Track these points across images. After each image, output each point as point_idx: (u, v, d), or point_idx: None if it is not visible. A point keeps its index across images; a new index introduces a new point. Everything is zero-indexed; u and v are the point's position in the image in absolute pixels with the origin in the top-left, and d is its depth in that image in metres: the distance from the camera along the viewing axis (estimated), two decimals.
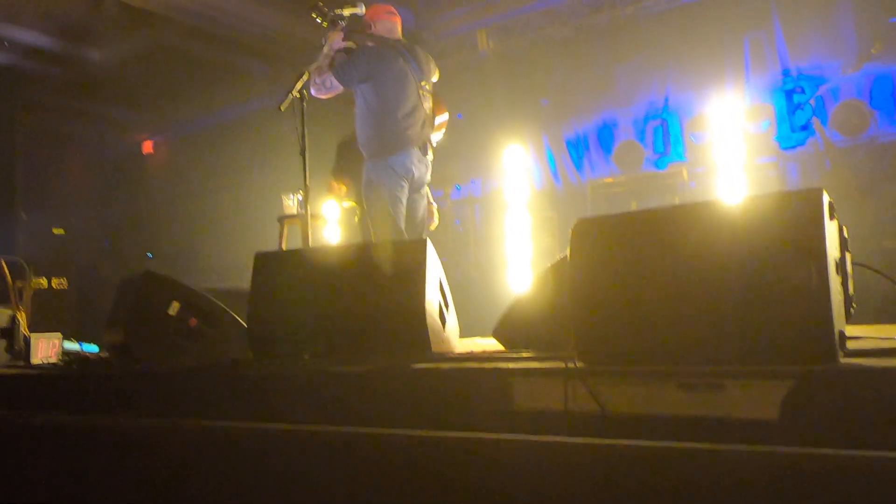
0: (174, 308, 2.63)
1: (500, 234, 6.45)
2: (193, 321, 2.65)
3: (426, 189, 4.22)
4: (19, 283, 6.45)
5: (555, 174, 8.02)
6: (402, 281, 2.13)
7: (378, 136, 4.03)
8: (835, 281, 1.31)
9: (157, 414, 2.30)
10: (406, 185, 4.05)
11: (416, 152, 4.08)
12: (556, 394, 1.53)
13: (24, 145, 8.46)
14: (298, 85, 3.36)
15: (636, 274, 1.48)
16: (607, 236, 1.53)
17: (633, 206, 6.14)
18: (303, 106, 3.36)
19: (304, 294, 2.22)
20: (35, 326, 6.30)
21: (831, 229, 1.33)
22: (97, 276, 9.78)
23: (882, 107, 6.30)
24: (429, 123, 4.20)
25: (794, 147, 6.64)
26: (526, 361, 1.79)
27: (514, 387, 1.61)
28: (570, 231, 1.62)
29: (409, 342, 2.08)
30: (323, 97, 3.89)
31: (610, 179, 6.58)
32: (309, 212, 3.44)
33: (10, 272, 6.54)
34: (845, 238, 1.41)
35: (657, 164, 7.51)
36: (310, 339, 2.13)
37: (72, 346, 5.53)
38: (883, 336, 1.75)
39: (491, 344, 2.57)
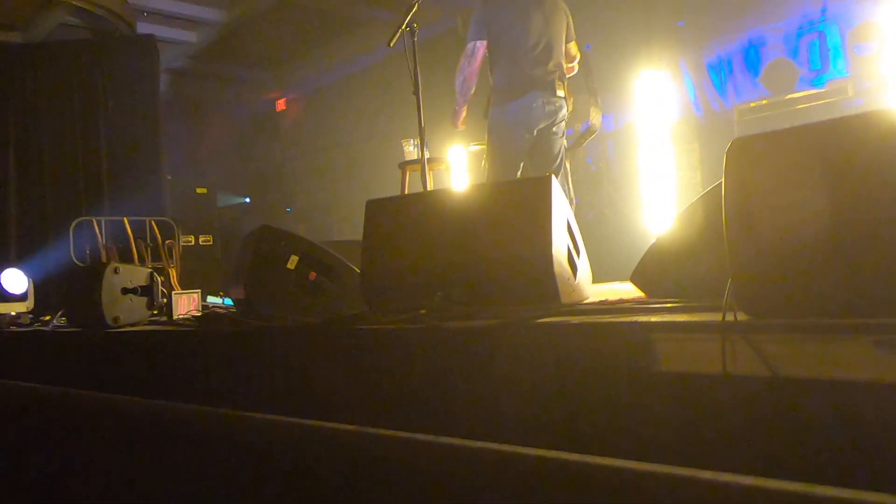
0: (293, 262, 2.55)
1: (635, 171, 6.02)
2: (313, 275, 2.57)
3: (562, 126, 3.97)
4: (169, 242, 6.82)
5: (695, 102, 7.42)
6: (524, 224, 1.90)
7: (499, 80, 3.87)
8: None
9: (274, 369, 2.25)
10: (527, 135, 3.84)
11: (540, 95, 3.85)
12: (711, 353, 1.27)
13: (166, 110, 8.86)
14: (408, 18, 3.16)
15: (814, 202, 1.18)
16: (774, 157, 1.23)
17: None
18: (413, 41, 3.15)
19: (419, 243, 2.06)
20: (185, 282, 6.66)
21: None
22: (240, 232, 10.25)
23: None
24: (558, 61, 3.95)
25: None
26: (671, 313, 1.53)
27: (658, 344, 1.36)
28: (724, 155, 1.32)
29: (535, 293, 1.86)
30: (474, 69, 3.83)
31: (758, 102, 5.94)
32: (426, 155, 3.27)
33: (160, 232, 6.93)
34: None
35: (814, 83, 6.73)
36: (426, 291, 1.97)
37: (215, 300, 5.77)
38: None
39: (629, 290, 2.31)
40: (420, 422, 1.77)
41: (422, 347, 1.77)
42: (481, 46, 3.87)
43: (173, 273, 6.86)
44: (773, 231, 1.22)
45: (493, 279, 1.92)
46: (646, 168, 5.93)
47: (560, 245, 1.93)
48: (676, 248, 2.10)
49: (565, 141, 4.12)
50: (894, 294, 1.11)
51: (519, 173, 3.82)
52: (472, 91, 3.97)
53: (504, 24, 3.82)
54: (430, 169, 4.04)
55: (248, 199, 12.14)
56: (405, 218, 2.12)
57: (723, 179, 1.29)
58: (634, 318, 1.44)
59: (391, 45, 3.12)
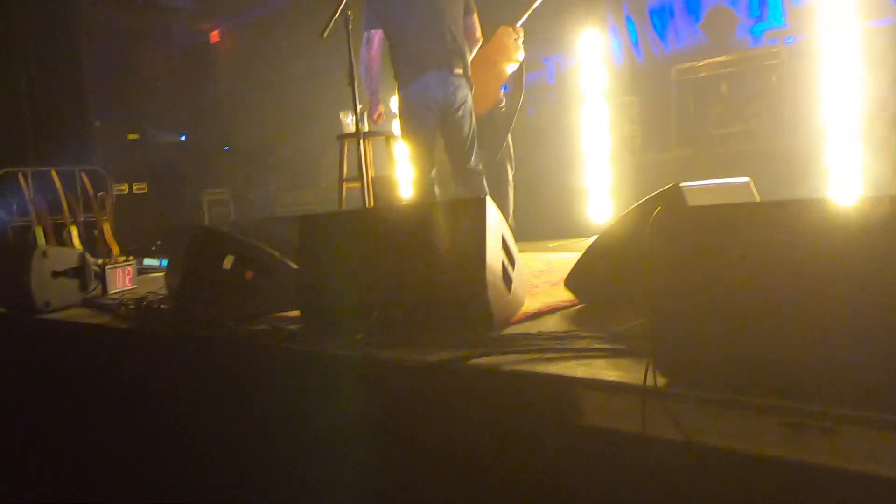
0: (228, 262, 2.52)
1: (577, 124, 6.03)
2: (249, 274, 2.55)
3: (466, 107, 3.93)
4: (101, 193, 6.58)
5: (636, 47, 7.41)
6: (458, 249, 1.91)
7: (396, 65, 3.84)
8: None
9: (205, 376, 2.25)
10: (429, 113, 3.82)
11: (436, 73, 3.79)
12: (632, 413, 1.33)
13: (92, 48, 8.39)
14: (341, 6, 3.04)
15: (733, 284, 1.22)
16: (698, 234, 1.26)
17: (724, 89, 5.59)
18: (348, 30, 3.04)
19: (355, 263, 2.05)
20: (120, 234, 6.47)
21: None
22: (176, 173, 9.93)
23: None
24: (455, 37, 3.88)
25: None
26: (600, 356, 1.58)
27: (583, 400, 1.41)
28: (652, 222, 1.35)
29: (469, 317, 1.90)
30: (373, 56, 3.74)
31: (694, 64, 5.98)
32: (363, 141, 3.21)
33: (90, 183, 6.67)
34: None
35: (752, 31, 6.78)
36: (362, 311, 1.98)
37: (152, 262, 5.64)
38: None
39: (565, 261, 2.34)
40: (346, 453, 1.82)
41: (353, 377, 1.80)
42: (376, 34, 3.83)
43: (107, 228, 6.65)
44: (695, 308, 1.27)
45: (429, 302, 1.95)
46: (586, 121, 5.95)
47: (494, 265, 1.95)
48: (608, 258, 2.16)
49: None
50: (803, 378, 1.18)
51: (434, 152, 3.87)
52: (378, 80, 3.97)
53: (393, 7, 3.75)
54: (368, 141, 3.97)
55: (183, 137, 11.72)
56: (340, 236, 2.10)
57: (648, 250, 1.32)
58: (561, 372, 1.49)
59: (324, 36, 3.00)
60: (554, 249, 4.39)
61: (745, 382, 1.23)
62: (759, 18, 6.77)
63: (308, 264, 2.13)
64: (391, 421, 1.70)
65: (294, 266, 2.56)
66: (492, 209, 1.95)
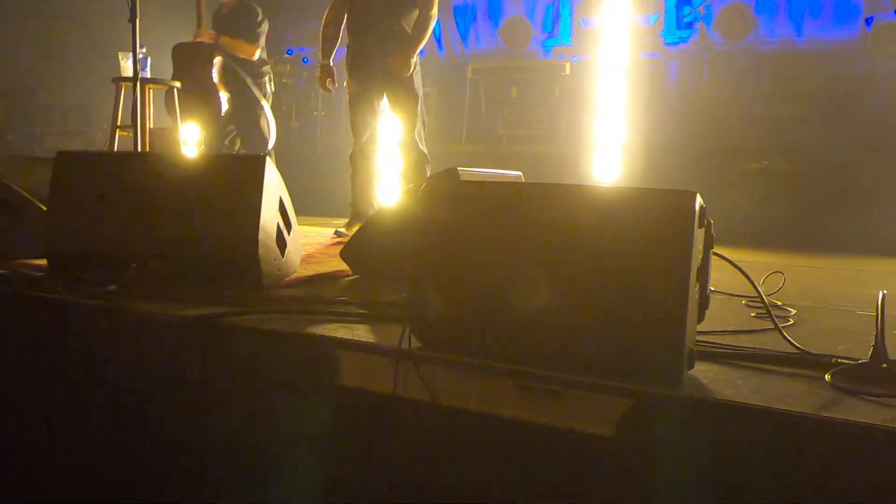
0: None
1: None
2: None
3: None
4: None
5: (438, 41, 7.63)
6: (233, 205, 1.85)
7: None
8: (693, 292, 1.20)
9: None
10: None
11: None
12: (386, 374, 1.37)
13: None
14: None
15: (484, 255, 1.31)
16: (465, 203, 1.33)
17: (514, 94, 5.93)
18: None
19: (117, 208, 1.90)
20: None
21: (699, 237, 1.20)
22: None
23: (766, 11, 6.33)
24: None
25: (677, 44, 6.60)
26: (359, 319, 1.62)
27: (342, 360, 1.44)
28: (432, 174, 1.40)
29: (238, 274, 1.85)
30: None
31: (488, 64, 6.30)
32: (140, 88, 2.97)
33: None
34: (712, 235, 1.29)
35: (544, 45, 7.28)
36: (120, 261, 1.84)
37: None
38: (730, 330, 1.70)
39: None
40: (93, 401, 1.70)
41: (102, 329, 1.68)
42: None
43: None
44: (451, 273, 1.34)
45: (196, 256, 1.86)
46: (384, 106, 6.00)
47: (269, 226, 1.92)
48: (383, 234, 2.21)
49: None
50: (537, 345, 1.29)
51: None
52: None
53: None
54: (149, 88, 3.69)
55: None
56: (104, 179, 1.94)
57: (419, 213, 1.37)
58: (323, 332, 1.50)
59: None
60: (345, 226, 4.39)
61: (488, 347, 1.32)
62: (551, 34, 7.29)
63: (61, 207, 1.94)
64: (138, 375, 1.61)
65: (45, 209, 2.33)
66: (271, 169, 1.92)
